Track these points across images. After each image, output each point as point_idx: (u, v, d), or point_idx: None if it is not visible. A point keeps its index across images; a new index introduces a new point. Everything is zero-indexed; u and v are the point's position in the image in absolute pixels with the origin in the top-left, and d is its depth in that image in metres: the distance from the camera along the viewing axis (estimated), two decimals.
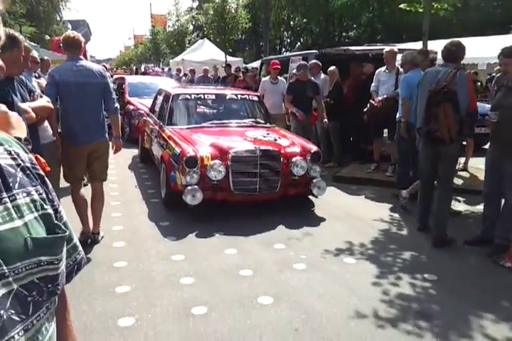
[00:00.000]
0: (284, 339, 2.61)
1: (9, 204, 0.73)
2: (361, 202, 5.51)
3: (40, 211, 0.78)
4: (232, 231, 4.32)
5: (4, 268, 0.69)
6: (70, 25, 45.53)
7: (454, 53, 4.24)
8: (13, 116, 1.25)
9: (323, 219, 4.82)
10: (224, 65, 13.66)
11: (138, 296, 3.07)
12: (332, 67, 7.32)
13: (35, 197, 0.78)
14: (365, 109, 6.35)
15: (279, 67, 7.71)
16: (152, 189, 5.78)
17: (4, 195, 0.73)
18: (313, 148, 5.21)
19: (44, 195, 0.81)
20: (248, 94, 6.52)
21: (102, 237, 4.11)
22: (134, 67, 27.69)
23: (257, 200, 4.87)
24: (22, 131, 1.23)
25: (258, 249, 3.97)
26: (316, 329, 2.72)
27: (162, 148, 5.40)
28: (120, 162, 7.22)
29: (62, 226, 0.80)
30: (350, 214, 5.01)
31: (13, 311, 0.69)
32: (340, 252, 3.94)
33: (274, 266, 3.63)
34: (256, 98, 6.40)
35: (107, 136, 4.03)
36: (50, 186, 0.85)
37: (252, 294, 3.13)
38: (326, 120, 6.77)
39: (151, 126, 6.59)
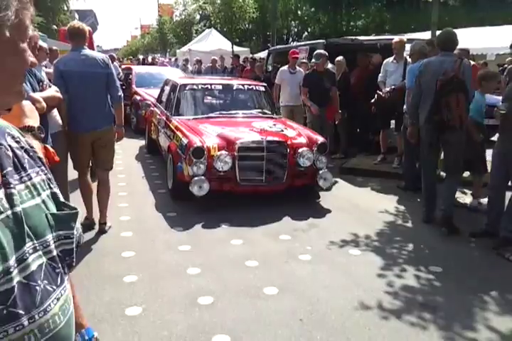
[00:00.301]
0: (290, 329, 2.65)
1: (28, 183, 0.79)
2: (367, 193, 5.52)
3: (49, 189, 0.85)
4: (238, 222, 4.35)
5: (35, 242, 0.75)
6: (77, 15, 45.27)
7: (454, 42, 4.31)
8: (27, 105, 1.27)
9: (328, 211, 4.83)
10: (232, 56, 13.56)
11: (145, 286, 3.11)
12: (339, 57, 7.27)
13: (43, 176, 0.85)
14: (372, 100, 6.32)
15: (298, 56, 7.57)
16: (159, 180, 5.81)
17: (23, 173, 0.79)
18: (320, 139, 5.20)
19: (49, 175, 0.87)
20: (255, 85, 6.50)
21: (110, 227, 4.15)
22: (141, 58, 27.62)
23: (264, 191, 4.89)
24: (35, 120, 1.26)
25: (264, 240, 4.00)
26: (321, 320, 2.75)
27: (169, 139, 5.42)
28: (127, 152, 7.26)
29: (70, 204, 0.87)
30: (356, 206, 5.02)
31: (46, 282, 0.76)
32: (345, 244, 3.96)
33: (279, 256, 3.65)
34: (263, 88, 6.38)
35: (112, 124, 4.07)
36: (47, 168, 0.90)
37: (257, 284, 3.17)
38: (339, 112, 6.65)
39: (158, 117, 6.60)
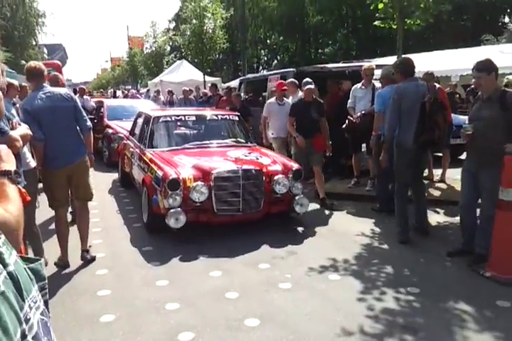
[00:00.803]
0: None
1: (2, 239, 0.79)
2: (343, 217, 5.57)
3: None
4: (216, 253, 4.32)
5: (29, 299, 0.75)
6: (46, 50, 45.39)
7: (413, 68, 4.68)
8: (3, 149, 1.27)
9: (306, 237, 4.85)
10: (210, 85, 13.50)
11: (123, 325, 3.04)
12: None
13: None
14: (343, 125, 6.47)
15: (286, 88, 7.06)
16: (134, 213, 5.74)
17: None
18: (295, 165, 5.28)
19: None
20: (228, 114, 6.59)
21: (94, 256, 4.20)
22: (112, 90, 27.65)
23: (241, 220, 4.89)
24: (12, 164, 1.25)
25: (243, 270, 3.97)
26: None
27: (143, 172, 5.40)
28: (100, 187, 7.17)
29: (30, 257, 0.87)
30: (333, 230, 5.06)
31: (46, 338, 0.76)
32: (324, 269, 3.96)
33: (259, 286, 3.63)
34: (236, 118, 6.47)
35: (85, 155, 4.13)
36: None
37: (238, 316, 3.13)
38: (329, 143, 6.14)
39: (131, 150, 6.59)
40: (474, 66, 3.93)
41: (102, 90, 30.91)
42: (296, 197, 5.01)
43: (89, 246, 4.29)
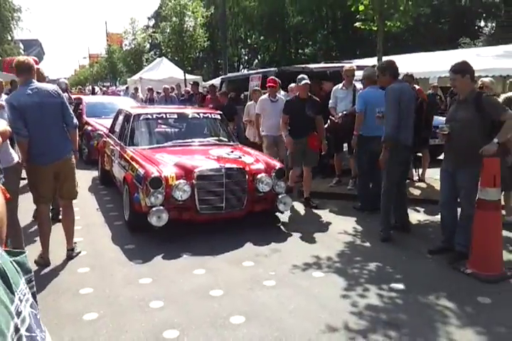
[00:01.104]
0: None
1: None
2: (325, 215, 5.61)
3: None
4: (199, 251, 4.29)
5: (18, 292, 0.73)
6: (22, 45, 44.43)
7: (398, 70, 4.81)
8: None
9: (289, 235, 4.87)
10: (191, 83, 13.27)
11: (107, 323, 2.99)
12: (293, 84, 7.47)
13: None
14: (325, 125, 6.51)
15: (275, 85, 6.84)
16: (115, 211, 5.67)
17: None
18: (277, 164, 5.29)
19: None
20: (210, 113, 6.56)
21: (79, 252, 4.24)
22: (91, 87, 27.22)
23: (224, 218, 4.87)
24: None
25: (227, 268, 3.96)
26: None
27: (124, 170, 5.33)
28: (80, 184, 7.01)
29: (13, 250, 0.85)
30: (316, 229, 5.08)
31: (39, 330, 0.75)
32: (308, 267, 3.99)
33: (243, 284, 3.62)
34: (218, 116, 6.44)
35: (71, 153, 4.12)
36: None
37: (223, 314, 3.12)
38: (325, 142, 6.01)
39: (111, 147, 6.50)
40: (451, 68, 4.02)
41: (80, 87, 30.33)
42: (280, 196, 5.02)
43: (75, 243, 4.31)
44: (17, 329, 0.67)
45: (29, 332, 0.71)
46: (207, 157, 5.12)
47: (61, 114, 4.01)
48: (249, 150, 5.89)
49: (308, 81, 5.72)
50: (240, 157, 5.21)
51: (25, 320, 0.71)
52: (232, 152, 5.37)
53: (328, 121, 6.48)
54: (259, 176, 4.94)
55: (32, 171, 3.95)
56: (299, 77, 5.88)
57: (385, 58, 8.00)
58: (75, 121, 4.17)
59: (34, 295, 0.82)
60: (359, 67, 6.99)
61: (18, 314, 0.70)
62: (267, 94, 6.95)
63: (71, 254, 4.17)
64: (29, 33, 52.46)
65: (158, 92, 14.20)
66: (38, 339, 0.72)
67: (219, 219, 4.85)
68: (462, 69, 3.95)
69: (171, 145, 5.69)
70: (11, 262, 0.77)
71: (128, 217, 5.01)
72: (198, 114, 6.45)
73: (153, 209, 4.45)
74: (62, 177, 4.05)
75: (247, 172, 4.90)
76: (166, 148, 5.57)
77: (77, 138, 4.30)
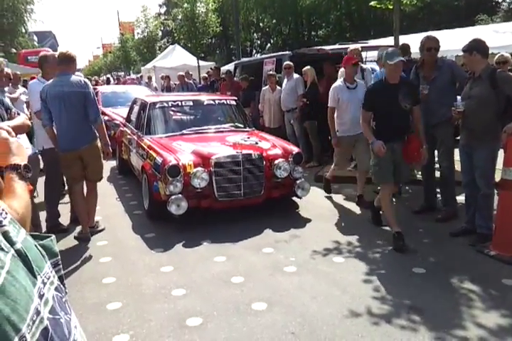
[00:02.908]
0: None
1: (9, 218, 0.79)
2: (344, 200, 5.56)
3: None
4: (219, 239, 4.31)
5: (41, 275, 0.75)
6: (35, 37, 44.71)
7: None
8: (14, 142, 1.24)
9: (308, 220, 4.84)
10: (213, 67, 12.88)
11: (130, 312, 3.03)
12: (307, 67, 7.36)
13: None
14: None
15: (355, 61, 5.41)
16: (134, 200, 5.71)
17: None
18: (295, 149, 5.24)
19: None
20: (226, 99, 6.51)
21: (103, 229, 4.63)
22: (105, 77, 27.28)
23: (242, 205, 4.86)
24: (22, 158, 1.21)
25: (247, 255, 3.96)
26: (313, 331, 2.73)
27: (142, 158, 5.35)
28: None
29: (33, 233, 0.88)
30: (335, 213, 5.05)
31: (63, 313, 0.77)
32: (328, 252, 3.97)
33: (264, 270, 3.63)
34: (233, 102, 6.39)
35: (94, 142, 4.32)
36: None
37: (245, 300, 3.13)
38: (426, 147, 4.20)
39: (128, 137, 6.52)
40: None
41: (96, 77, 30.41)
42: (298, 181, 4.99)
43: (96, 222, 4.66)
44: (38, 312, 0.67)
45: (52, 314, 0.72)
46: (223, 143, 5.10)
47: (83, 105, 4.15)
48: (265, 135, 5.85)
49: (402, 57, 4.01)
50: (256, 143, 5.18)
51: (48, 302, 0.72)
52: (248, 138, 5.33)
53: None
54: (276, 162, 4.90)
55: (60, 156, 4.31)
56: (386, 52, 4.13)
57: (401, 37, 7.81)
58: (97, 115, 4.26)
59: (62, 279, 0.82)
60: (373, 48, 6.81)
61: (41, 296, 0.70)
62: (342, 79, 5.33)
63: (93, 231, 4.47)
64: (42, 24, 52.70)
65: (174, 84, 14.08)
66: (61, 322, 0.73)
67: (237, 206, 4.85)
68: (469, 47, 3.89)
69: (188, 133, 5.67)
70: (36, 246, 0.77)
71: (147, 206, 5.04)
72: (214, 100, 6.41)
73: (173, 197, 4.46)
74: (86, 162, 4.32)
75: (264, 158, 4.87)
76: (183, 136, 5.56)
77: (105, 132, 4.45)
